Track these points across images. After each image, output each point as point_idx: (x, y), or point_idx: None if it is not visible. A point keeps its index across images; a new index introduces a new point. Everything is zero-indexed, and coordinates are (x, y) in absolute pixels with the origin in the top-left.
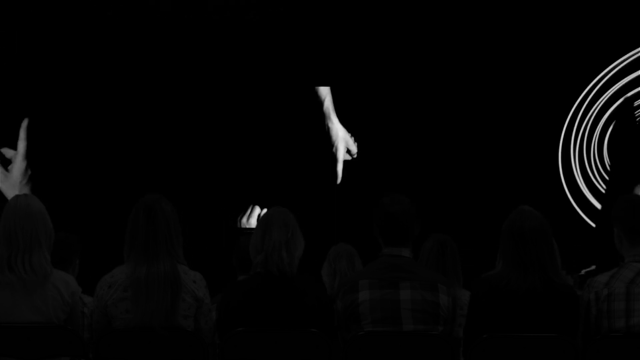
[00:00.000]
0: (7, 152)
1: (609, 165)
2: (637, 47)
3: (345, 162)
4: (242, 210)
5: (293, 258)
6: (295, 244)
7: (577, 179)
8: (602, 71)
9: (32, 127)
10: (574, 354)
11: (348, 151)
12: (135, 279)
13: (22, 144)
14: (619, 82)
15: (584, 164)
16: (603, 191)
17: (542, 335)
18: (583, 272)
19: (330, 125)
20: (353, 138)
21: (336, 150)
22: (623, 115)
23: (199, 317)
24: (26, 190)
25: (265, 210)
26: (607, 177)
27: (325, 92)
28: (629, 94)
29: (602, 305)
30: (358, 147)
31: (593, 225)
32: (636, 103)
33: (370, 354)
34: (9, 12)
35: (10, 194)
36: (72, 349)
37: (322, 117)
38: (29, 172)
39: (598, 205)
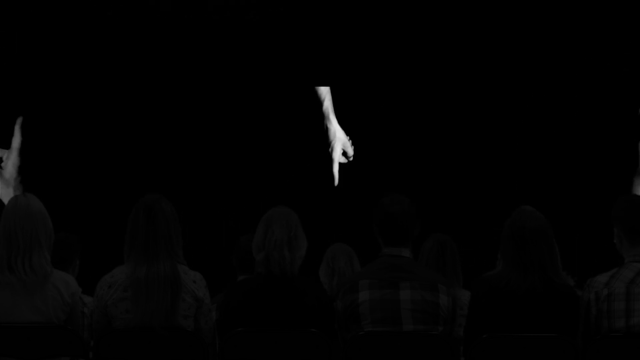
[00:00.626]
0: None
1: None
2: None
3: (344, 163)
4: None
5: (294, 257)
6: (297, 244)
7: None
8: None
9: (29, 125)
10: (574, 354)
11: (344, 153)
12: (135, 279)
13: (16, 140)
14: None
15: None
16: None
17: (542, 335)
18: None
19: (328, 125)
20: (351, 141)
21: (332, 150)
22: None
23: (199, 317)
24: (21, 188)
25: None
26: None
27: (325, 92)
28: None
29: (602, 305)
30: (357, 147)
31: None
32: None
33: (370, 354)
34: (7, 10)
35: (4, 191)
36: (72, 349)
37: (322, 118)
38: (24, 169)
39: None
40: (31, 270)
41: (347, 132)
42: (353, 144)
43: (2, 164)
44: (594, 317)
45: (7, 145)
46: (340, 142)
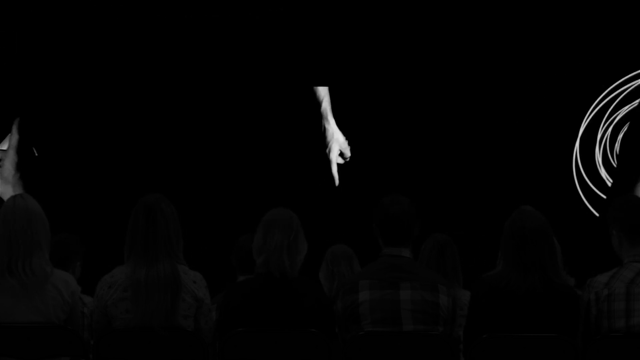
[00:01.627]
0: None
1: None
2: None
3: (343, 163)
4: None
5: (294, 261)
6: (296, 247)
7: (582, 177)
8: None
9: (29, 124)
10: (574, 354)
11: (341, 154)
12: (135, 279)
13: (14, 138)
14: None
15: (587, 164)
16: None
17: (542, 335)
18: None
19: (326, 126)
20: (347, 142)
21: (329, 151)
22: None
23: (199, 317)
24: (20, 185)
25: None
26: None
27: (323, 92)
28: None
29: (602, 305)
30: (356, 147)
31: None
32: None
33: (370, 354)
34: (6, 11)
35: (3, 189)
36: (72, 349)
37: (320, 118)
38: (22, 167)
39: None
40: (32, 273)
41: (346, 132)
42: (352, 144)
43: (0, 163)
44: (594, 317)
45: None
46: (337, 144)
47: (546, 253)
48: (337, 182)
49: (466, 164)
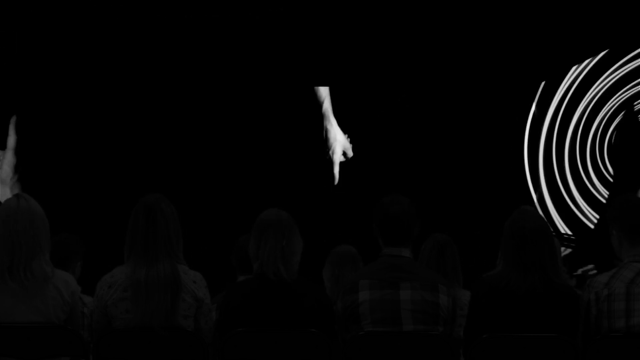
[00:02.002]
0: None
1: (611, 171)
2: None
3: (343, 162)
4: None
5: (290, 264)
6: (291, 250)
7: (582, 179)
8: (602, 75)
9: (29, 124)
10: (574, 354)
11: (344, 154)
12: (135, 280)
13: (11, 139)
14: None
15: (586, 167)
16: (605, 195)
17: (542, 335)
18: (580, 271)
19: (328, 127)
20: (349, 139)
21: (333, 153)
22: (625, 119)
23: (199, 317)
24: (17, 187)
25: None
26: (610, 180)
27: (324, 93)
28: (628, 95)
29: (602, 305)
30: (356, 147)
31: (591, 226)
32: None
33: (370, 354)
34: (4, 10)
35: (1, 191)
36: (72, 349)
37: (321, 118)
38: (20, 168)
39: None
40: (32, 276)
41: (347, 132)
42: (353, 143)
43: None
44: (594, 317)
45: (2, 146)
46: (340, 145)
47: (546, 253)
48: (336, 180)
49: (466, 164)
